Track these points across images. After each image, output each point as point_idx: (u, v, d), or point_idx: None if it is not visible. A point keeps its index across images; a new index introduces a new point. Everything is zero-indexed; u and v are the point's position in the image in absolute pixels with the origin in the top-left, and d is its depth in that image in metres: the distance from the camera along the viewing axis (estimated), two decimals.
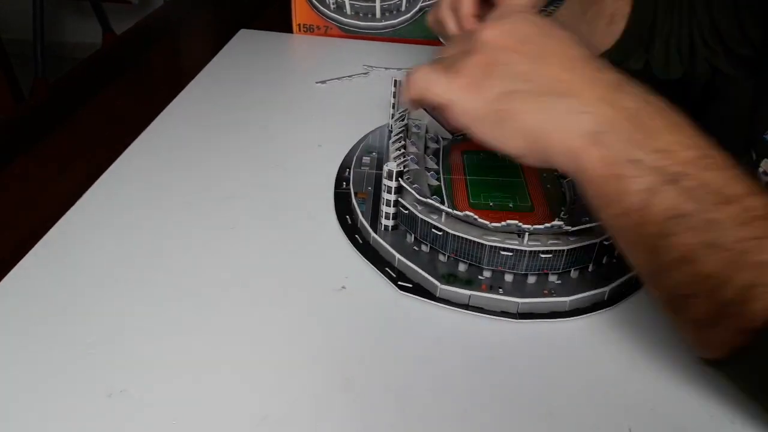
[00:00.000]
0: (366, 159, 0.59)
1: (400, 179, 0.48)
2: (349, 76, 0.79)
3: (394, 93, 0.61)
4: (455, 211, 0.45)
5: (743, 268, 0.32)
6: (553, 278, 0.46)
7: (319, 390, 0.39)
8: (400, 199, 0.49)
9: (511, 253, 0.45)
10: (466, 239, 0.45)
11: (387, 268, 0.48)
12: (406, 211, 0.48)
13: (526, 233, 0.44)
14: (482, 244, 0.45)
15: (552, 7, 0.61)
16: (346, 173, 0.58)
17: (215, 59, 0.82)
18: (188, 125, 0.66)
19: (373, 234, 0.50)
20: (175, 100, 0.71)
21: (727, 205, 0.32)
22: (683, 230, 0.33)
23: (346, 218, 0.53)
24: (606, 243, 0.46)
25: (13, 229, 0.51)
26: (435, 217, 0.47)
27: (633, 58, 0.72)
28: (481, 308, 0.45)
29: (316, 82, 0.77)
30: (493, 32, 0.39)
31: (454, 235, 0.45)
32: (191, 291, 0.46)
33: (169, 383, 0.39)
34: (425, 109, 0.49)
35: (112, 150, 0.60)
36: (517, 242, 0.45)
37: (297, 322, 0.44)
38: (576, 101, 0.36)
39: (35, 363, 0.39)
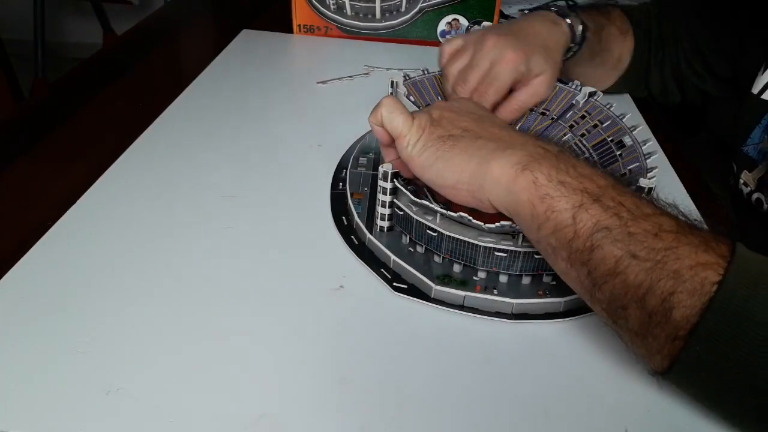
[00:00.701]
0: (363, 160, 0.59)
1: (395, 180, 0.48)
2: (350, 76, 0.79)
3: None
4: (449, 212, 0.45)
5: (662, 276, 0.35)
6: (547, 279, 0.46)
7: (315, 388, 0.39)
8: (395, 200, 0.49)
9: (505, 254, 0.45)
10: (461, 240, 0.45)
11: (382, 269, 0.48)
12: (401, 213, 0.48)
13: (521, 234, 0.44)
14: (476, 245, 0.45)
15: None
16: (343, 174, 0.58)
17: (218, 59, 0.82)
18: (189, 125, 0.67)
19: (368, 235, 0.50)
20: (176, 100, 0.71)
21: (641, 220, 0.36)
22: (609, 242, 0.36)
23: (342, 219, 0.53)
24: None
25: (13, 228, 0.51)
26: (429, 218, 0.47)
27: (636, 89, 0.77)
28: (476, 309, 0.45)
29: (318, 83, 0.78)
30: (446, 103, 0.50)
31: (449, 236, 0.45)
32: (189, 290, 0.46)
33: (166, 381, 0.39)
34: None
35: (113, 150, 0.60)
36: (511, 243, 0.45)
37: (295, 321, 0.44)
38: (506, 144, 0.42)
39: (35, 360, 0.39)
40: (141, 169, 0.59)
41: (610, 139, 0.57)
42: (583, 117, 0.60)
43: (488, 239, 0.45)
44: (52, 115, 0.70)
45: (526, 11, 0.66)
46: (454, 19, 0.88)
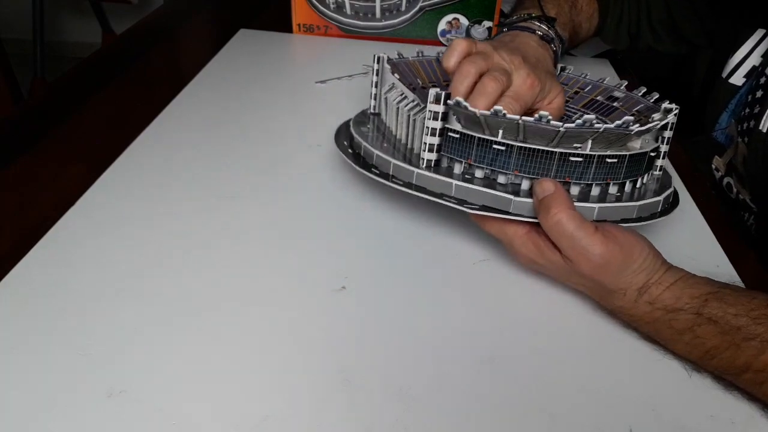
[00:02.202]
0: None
1: (449, 102, 0.45)
2: (348, 76, 0.79)
3: (377, 71, 0.58)
4: (526, 118, 0.42)
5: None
6: (613, 189, 0.46)
7: (319, 390, 0.39)
8: (447, 125, 0.46)
9: (580, 159, 0.43)
10: (534, 150, 0.43)
11: (444, 196, 0.46)
12: (457, 135, 0.46)
13: (590, 140, 0.43)
14: (551, 152, 0.43)
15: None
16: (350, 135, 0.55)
17: (215, 59, 0.82)
18: (188, 125, 0.66)
19: (416, 170, 0.47)
20: (174, 100, 0.71)
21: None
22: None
23: (372, 169, 0.50)
24: (652, 154, 0.47)
25: (13, 228, 0.51)
26: (490, 134, 0.45)
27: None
28: None
29: (316, 82, 0.77)
30: None
31: (520, 147, 0.43)
32: (191, 292, 0.45)
33: (169, 383, 0.39)
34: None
35: (112, 150, 0.60)
36: (581, 147, 0.44)
37: (297, 323, 0.44)
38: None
39: (36, 361, 0.39)
40: (140, 169, 0.58)
41: (599, 98, 0.57)
42: None
43: (560, 147, 0.44)
44: (51, 114, 0.69)
45: (505, 29, 0.64)
46: (455, 19, 0.88)
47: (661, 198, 0.47)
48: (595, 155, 0.43)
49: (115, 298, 0.44)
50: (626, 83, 0.57)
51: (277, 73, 0.80)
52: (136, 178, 0.57)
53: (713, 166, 0.67)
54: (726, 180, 0.65)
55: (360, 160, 0.52)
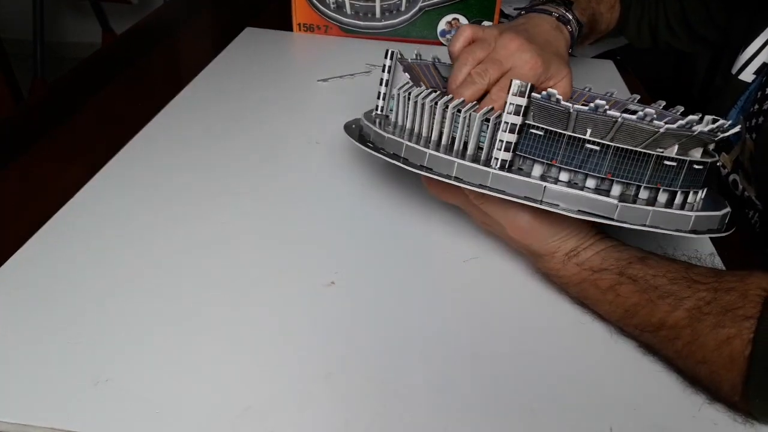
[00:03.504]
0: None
1: (534, 94, 0.41)
2: (351, 75, 0.79)
3: (389, 68, 0.54)
4: (626, 116, 0.38)
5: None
6: (692, 198, 0.43)
7: (301, 383, 0.39)
8: (529, 121, 0.42)
9: (674, 164, 0.40)
10: (630, 151, 0.39)
11: (529, 200, 0.41)
12: (541, 133, 0.41)
13: (676, 144, 0.40)
14: (649, 154, 0.39)
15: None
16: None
17: (220, 56, 0.82)
18: (189, 122, 0.66)
19: (492, 172, 0.42)
20: (177, 97, 0.71)
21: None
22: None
23: (431, 170, 0.45)
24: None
25: (13, 226, 0.51)
26: (573, 132, 0.41)
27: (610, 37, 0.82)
28: (658, 226, 0.40)
29: (318, 80, 0.77)
30: None
31: (617, 148, 0.39)
32: (179, 284, 0.46)
33: (154, 372, 0.39)
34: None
35: (112, 150, 0.60)
36: (666, 152, 0.41)
37: (285, 316, 0.44)
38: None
39: (25, 350, 0.40)
40: (138, 165, 0.59)
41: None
42: None
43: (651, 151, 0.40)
44: (52, 114, 0.69)
45: (523, 12, 0.65)
46: (454, 19, 0.88)
47: (728, 209, 0.45)
48: (686, 160, 0.40)
49: (104, 290, 0.45)
50: (638, 97, 0.55)
51: (280, 71, 0.80)
52: (134, 173, 0.57)
53: (719, 163, 0.67)
54: (732, 177, 0.65)
55: (400, 158, 0.46)
